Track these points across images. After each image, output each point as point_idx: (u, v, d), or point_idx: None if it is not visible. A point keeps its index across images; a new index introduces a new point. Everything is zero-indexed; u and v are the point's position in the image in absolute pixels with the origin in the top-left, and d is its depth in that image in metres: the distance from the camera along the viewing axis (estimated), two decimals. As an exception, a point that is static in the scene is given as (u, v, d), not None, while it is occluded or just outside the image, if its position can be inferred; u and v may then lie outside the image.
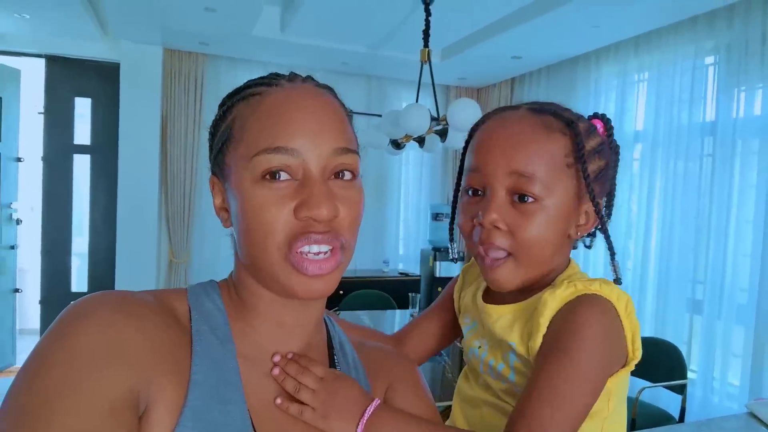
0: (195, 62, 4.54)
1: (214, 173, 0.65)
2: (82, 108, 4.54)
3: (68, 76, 4.43)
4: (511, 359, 0.75)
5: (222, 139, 0.62)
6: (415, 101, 3.20)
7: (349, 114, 0.68)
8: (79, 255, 4.64)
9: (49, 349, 0.50)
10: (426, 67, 3.24)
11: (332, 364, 0.72)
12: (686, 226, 3.37)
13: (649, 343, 3.05)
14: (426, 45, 3.17)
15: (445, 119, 2.83)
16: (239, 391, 0.59)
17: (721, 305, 3.14)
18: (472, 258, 0.90)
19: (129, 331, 0.53)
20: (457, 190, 0.83)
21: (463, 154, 0.82)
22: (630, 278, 3.79)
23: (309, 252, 0.58)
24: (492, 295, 0.83)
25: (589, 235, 0.83)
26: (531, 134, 0.73)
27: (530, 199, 0.71)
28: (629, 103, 3.86)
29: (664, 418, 2.78)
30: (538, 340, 0.69)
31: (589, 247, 0.85)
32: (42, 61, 4.36)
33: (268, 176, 0.57)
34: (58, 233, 4.51)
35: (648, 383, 2.83)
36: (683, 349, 2.92)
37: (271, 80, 0.63)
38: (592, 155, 0.75)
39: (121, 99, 4.31)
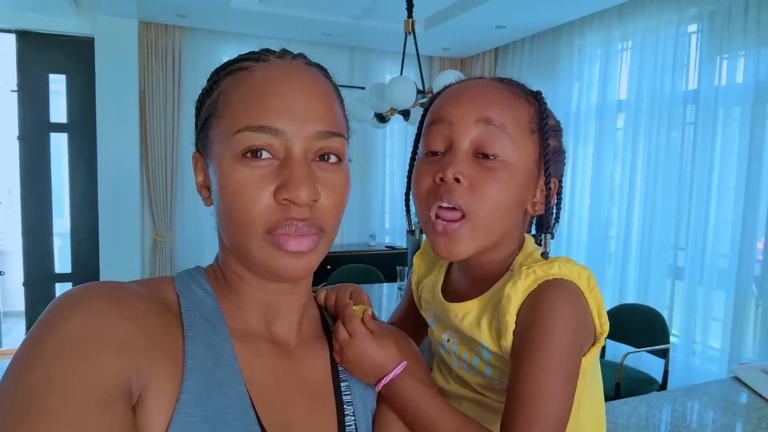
0: (172, 35, 4.43)
1: (197, 149, 0.64)
2: (57, 85, 4.41)
3: (41, 52, 4.29)
4: (484, 355, 0.74)
5: (207, 114, 0.61)
6: (399, 73, 3.16)
7: (340, 96, 0.66)
8: (60, 236, 4.57)
9: (36, 342, 0.49)
10: (410, 38, 3.19)
11: (329, 342, 0.72)
12: (668, 194, 3.42)
13: (632, 309, 3.13)
14: (410, 15, 3.12)
15: (431, 91, 2.81)
16: (237, 373, 0.58)
17: (702, 271, 3.21)
18: (423, 245, 0.89)
19: (118, 318, 0.52)
20: (412, 162, 0.79)
21: (422, 118, 0.78)
22: (613, 246, 3.86)
23: (287, 235, 0.57)
24: (451, 291, 0.81)
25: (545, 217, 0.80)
26: (500, 91, 0.72)
27: (493, 157, 0.69)
28: (612, 72, 3.86)
29: (648, 382, 2.86)
30: (509, 339, 0.69)
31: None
32: (12, 37, 4.22)
33: (249, 154, 0.56)
34: (39, 214, 4.43)
35: (632, 348, 2.90)
36: (665, 315, 2.99)
37: (260, 55, 0.62)
38: (552, 131, 0.73)
39: (96, 75, 4.20)
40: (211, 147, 0.60)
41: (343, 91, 0.65)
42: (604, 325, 0.71)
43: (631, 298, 3.64)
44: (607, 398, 2.80)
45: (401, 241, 5.26)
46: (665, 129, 3.43)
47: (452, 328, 0.79)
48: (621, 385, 2.69)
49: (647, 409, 1.46)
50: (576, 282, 0.69)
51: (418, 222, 0.79)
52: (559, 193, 0.77)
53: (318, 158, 0.59)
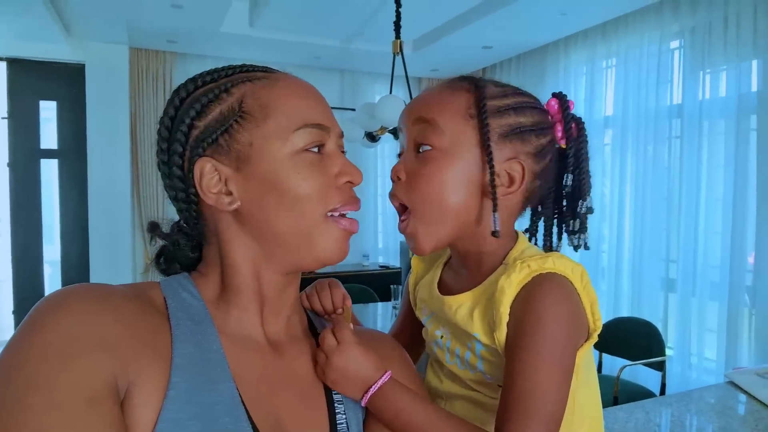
0: (163, 61, 4.47)
1: (201, 155, 0.61)
2: (48, 111, 4.42)
3: (32, 78, 4.31)
4: (477, 348, 0.74)
5: (228, 118, 0.60)
6: (388, 93, 3.20)
7: None
8: (50, 263, 4.52)
9: (21, 343, 0.49)
10: (398, 59, 3.24)
11: (313, 334, 0.73)
12: (657, 207, 3.46)
13: (627, 323, 3.13)
14: (398, 36, 3.17)
15: (421, 110, 2.84)
16: (226, 370, 0.58)
17: (694, 282, 3.23)
18: None
19: (104, 318, 0.52)
20: None
21: None
22: (606, 261, 3.87)
23: (346, 212, 0.65)
24: (447, 286, 0.82)
25: (570, 223, 0.79)
26: (438, 90, 0.76)
27: (428, 148, 0.72)
28: (598, 89, 3.93)
29: (645, 395, 2.84)
30: (503, 332, 0.68)
31: (577, 246, 0.79)
32: (3, 64, 4.23)
33: (313, 148, 0.63)
34: (29, 241, 4.40)
35: (628, 361, 2.89)
36: (660, 327, 2.99)
37: (264, 68, 0.67)
38: (505, 110, 0.72)
39: (87, 101, 4.21)
40: (248, 149, 0.60)
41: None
42: (597, 321, 0.71)
43: (625, 312, 3.64)
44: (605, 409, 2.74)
45: (394, 261, 5.25)
46: (652, 143, 3.49)
47: (446, 322, 0.79)
48: (618, 399, 2.67)
49: (644, 414, 1.46)
50: (569, 277, 0.69)
51: None
52: (582, 181, 0.77)
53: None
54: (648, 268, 3.51)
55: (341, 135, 0.68)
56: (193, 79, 0.65)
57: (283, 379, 0.65)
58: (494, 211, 0.71)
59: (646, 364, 2.88)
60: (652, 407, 1.52)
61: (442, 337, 0.80)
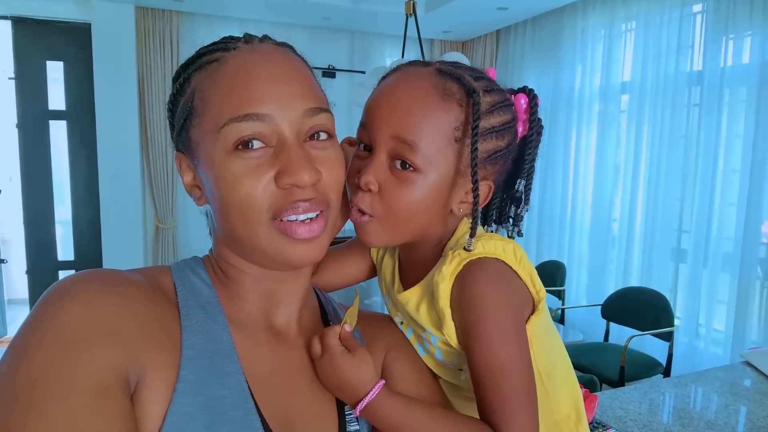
0: (169, 20, 4.38)
1: (179, 150, 0.62)
2: (55, 72, 4.37)
3: (38, 39, 4.25)
4: (432, 339, 0.74)
5: (183, 114, 0.59)
6: (400, 56, 3.13)
7: (313, 70, 0.65)
8: (62, 223, 4.56)
9: (32, 332, 0.48)
10: (411, 20, 3.15)
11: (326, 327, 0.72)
12: (672, 177, 3.40)
13: (636, 293, 3.13)
14: (411, -3, 3.08)
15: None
16: (235, 363, 0.58)
17: (706, 254, 3.21)
18: None
19: (114, 307, 0.52)
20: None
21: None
22: (617, 229, 3.85)
23: (296, 219, 0.57)
24: (404, 280, 0.79)
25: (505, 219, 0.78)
26: (422, 99, 0.66)
27: (410, 167, 0.66)
28: (616, 53, 3.82)
29: (652, 365, 2.87)
30: (450, 326, 0.68)
31: (511, 235, 0.78)
32: (9, 24, 4.17)
33: (240, 146, 0.55)
34: (40, 202, 4.42)
35: (636, 331, 2.90)
36: (669, 298, 2.99)
37: (227, 44, 0.60)
38: (488, 134, 0.68)
39: (94, 61, 4.16)
40: (197, 147, 0.58)
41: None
42: (540, 292, 0.71)
43: (634, 282, 3.64)
44: (612, 382, 2.80)
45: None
46: (669, 111, 3.40)
47: (401, 314, 0.79)
48: (625, 369, 2.70)
49: (659, 394, 1.46)
50: (501, 257, 0.68)
51: None
52: (528, 179, 0.75)
53: (309, 138, 0.59)
54: (660, 238, 3.49)
55: (312, 112, 0.58)
56: (178, 68, 0.63)
57: (292, 372, 0.64)
58: (471, 236, 0.68)
59: (653, 335, 2.90)
60: (667, 387, 1.53)
61: (402, 324, 0.80)
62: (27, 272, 4.44)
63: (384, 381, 0.65)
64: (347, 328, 0.67)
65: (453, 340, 0.69)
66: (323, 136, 0.60)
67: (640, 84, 3.59)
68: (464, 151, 0.67)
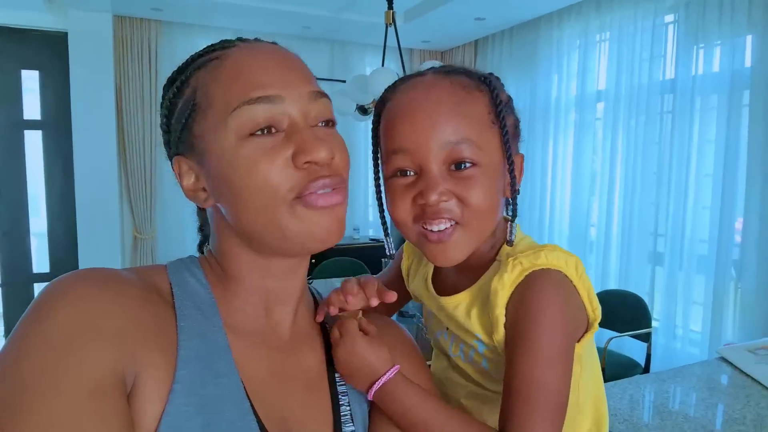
0: (148, 29, 4.35)
1: (178, 154, 0.61)
2: (30, 81, 4.30)
3: (13, 47, 4.18)
4: (480, 348, 0.74)
5: (185, 113, 0.59)
6: (380, 65, 3.16)
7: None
8: (37, 235, 4.46)
9: (25, 333, 0.48)
10: (391, 29, 3.18)
11: (323, 330, 0.72)
12: (647, 182, 3.48)
13: (614, 295, 3.18)
14: (390, 6, 3.11)
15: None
16: (230, 364, 0.58)
17: (681, 256, 3.28)
18: None
19: (109, 306, 0.51)
20: (377, 174, 0.74)
21: (375, 128, 0.75)
22: (595, 234, 3.92)
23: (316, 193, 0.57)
24: (441, 283, 0.80)
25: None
26: (452, 98, 0.68)
27: (468, 165, 0.66)
28: (591, 62, 3.91)
29: (631, 366, 2.91)
30: (501, 333, 0.68)
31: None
32: (-18, 32, 4.10)
33: (256, 131, 0.55)
34: (14, 214, 4.33)
35: (615, 333, 2.95)
36: (646, 300, 3.05)
37: (223, 44, 0.61)
38: (507, 109, 0.71)
39: (71, 71, 4.10)
40: (201, 141, 0.58)
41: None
42: (596, 311, 0.70)
43: (613, 285, 3.70)
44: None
45: (384, 234, 5.27)
46: (643, 118, 3.49)
47: (447, 319, 0.78)
48: (605, 370, 2.74)
49: (637, 390, 1.50)
50: (563, 270, 0.68)
51: (391, 243, 0.78)
52: (516, 170, 0.74)
53: (315, 125, 0.59)
54: (636, 242, 3.56)
55: (316, 95, 0.59)
56: (172, 74, 0.63)
57: (288, 372, 0.64)
58: (513, 219, 0.70)
59: (632, 336, 2.94)
60: (647, 383, 1.56)
61: (447, 329, 0.79)
62: (1, 285, 4.33)
63: (399, 365, 0.66)
64: (360, 315, 0.69)
65: (501, 347, 0.69)
66: (323, 123, 0.61)
67: (614, 92, 3.68)
68: (498, 131, 0.70)
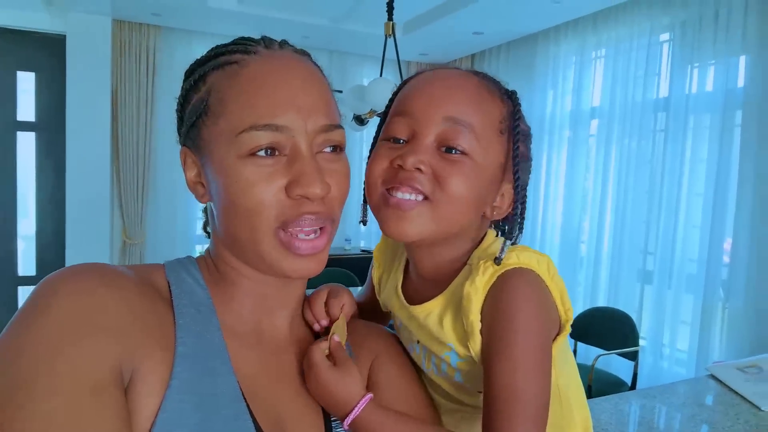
0: (147, 34, 4.36)
1: (185, 145, 0.62)
2: (26, 83, 4.30)
3: (10, 48, 4.18)
4: (452, 360, 0.71)
5: (197, 111, 0.59)
6: (378, 76, 3.17)
7: (328, 81, 0.66)
8: (24, 238, 4.44)
9: (22, 329, 0.47)
10: (390, 41, 3.20)
11: (317, 338, 0.71)
12: (639, 200, 3.49)
13: (602, 313, 3.17)
14: (390, 18, 3.13)
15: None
16: (227, 364, 0.58)
17: (671, 275, 3.28)
18: (381, 237, 0.83)
19: (107, 300, 0.51)
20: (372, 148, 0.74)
21: (388, 106, 0.74)
22: (585, 251, 3.92)
23: (301, 231, 0.57)
24: (412, 291, 0.77)
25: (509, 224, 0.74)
26: (474, 87, 0.68)
27: (459, 152, 0.65)
28: (586, 79, 3.94)
29: (618, 384, 2.90)
30: (477, 340, 0.66)
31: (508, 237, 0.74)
32: (-21, 31, 4.10)
33: (257, 153, 0.55)
34: (3, 215, 4.30)
35: (602, 351, 2.94)
36: (635, 318, 3.04)
37: (246, 46, 0.60)
38: (523, 136, 0.70)
39: (67, 73, 4.10)
40: (207, 146, 0.58)
41: None
42: (568, 312, 0.69)
43: (602, 302, 3.70)
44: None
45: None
46: (637, 136, 3.51)
47: (417, 329, 0.75)
48: (592, 387, 2.72)
49: (627, 406, 1.49)
50: (535, 269, 0.66)
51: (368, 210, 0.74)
52: (522, 202, 0.72)
53: (320, 150, 0.59)
54: (627, 260, 3.56)
55: (327, 129, 0.58)
56: (192, 64, 0.63)
57: (282, 376, 0.64)
58: (510, 238, 0.67)
59: (619, 354, 2.93)
60: (636, 398, 1.55)
61: (418, 342, 0.76)
62: (-13, 286, 4.29)
63: (371, 395, 0.64)
64: (336, 338, 0.66)
65: (477, 355, 0.67)
66: (335, 149, 0.60)
67: (608, 109, 3.70)
68: (506, 146, 0.69)
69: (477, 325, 0.65)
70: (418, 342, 0.76)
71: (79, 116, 4.16)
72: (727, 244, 3.00)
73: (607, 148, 3.71)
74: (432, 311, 0.71)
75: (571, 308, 0.70)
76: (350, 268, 4.19)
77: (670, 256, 3.28)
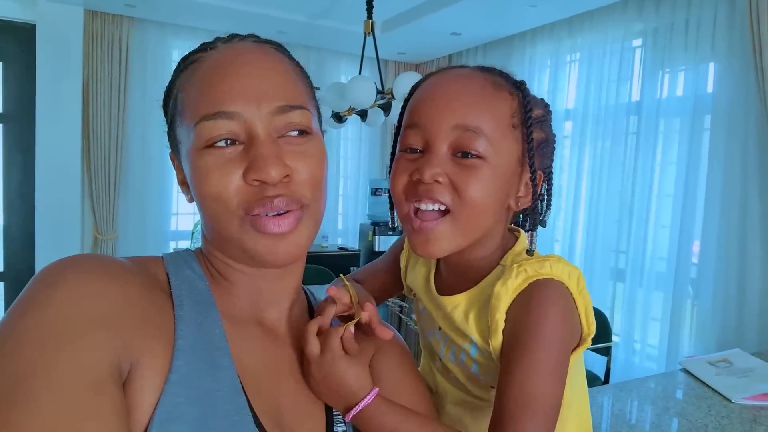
0: (120, 26, 4.26)
1: (172, 149, 0.64)
2: (-8, 73, 4.16)
3: (-24, 36, 4.04)
4: (472, 352, 0.73)
5: (170, 114, 0.62)
6: (356, 73, 3.18)
7: (299, 67, 0.66)
8: (-8, 232, 4.29)
9: (16, 324, 0.46)
10: (369, 39, 3.21)
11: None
12: (611, 200, 3.58)
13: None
14: (369, 16, 3.14)
15: (391, 92, 2.83)
16: (227, 356, 0.57)
17: (642, 273, 3.38)
18: None
19: (105, 292, 0.50)
20: (393, 155, 0.75)
21: (401, 114, 0.76)
22: (559, 250, 3.99)
23: (266, 214, 0.56)
24: (442, 282, 0.79)
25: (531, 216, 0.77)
26: (478, 89, 0.69)
27: (473, 156, 0.67)
28: (561, 82, 4.01)
29: (591, 379, 2.97)
30: (499, 338, 0.68)
31: (527, 229, 0.78)
32: (-56, 19, 3.95)
33: (212, 143, 0.56)
34: (-32, 208, 4.15)
35: (577, 347, 3.00)
36: (607, 315, 3.12)
37: (209, 45, 0.62)
38: (536, 123, 0.71)
39: (38, 64, 3.98)
40: (180, 145, 0.60)
41: None
42: (591, 326, 0.71)
43: (576, 300, 3.77)
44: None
45: (354, 243, 5.25)
46: (610, 138, 3.59)
47: (442, 318, 0.77)
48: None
49: (605, 399, 1.53)
50: (566, 282, 0.68)
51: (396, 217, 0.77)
52: (549, 181, 0.76)
53: (284, 135, 0.59)
54: (599, 258, 3.65)
55: (283, 110, 0.57)
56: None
57: (282, 369, 0.64)
58: (533, 229, 0.70)
59: (592, 350, 3.00)
60: (612, 393, 1.60)
61: (439, 329, 0.78)
62: (-50, 282, 4.14)
63: (378, 389, 0.64)
64: (351, 329, 0.67)
65: (495, 352, 0.68)
66: (296, 132, 0.59)
67: (582, 112, 3.78)
68: (521, 138, 0.70)
69: (501, 325, 0.67)
70: (440, 329, 0.78)
71: (49, 107, 4.04)
72: (696, 246, 3.10)
73: (580, 149, 3.79)
74: (459, 304, 0.74)
75: (594, 323, 0.71)
76: (327, 265, 4.18)
77: (641, 255, 3.37)
